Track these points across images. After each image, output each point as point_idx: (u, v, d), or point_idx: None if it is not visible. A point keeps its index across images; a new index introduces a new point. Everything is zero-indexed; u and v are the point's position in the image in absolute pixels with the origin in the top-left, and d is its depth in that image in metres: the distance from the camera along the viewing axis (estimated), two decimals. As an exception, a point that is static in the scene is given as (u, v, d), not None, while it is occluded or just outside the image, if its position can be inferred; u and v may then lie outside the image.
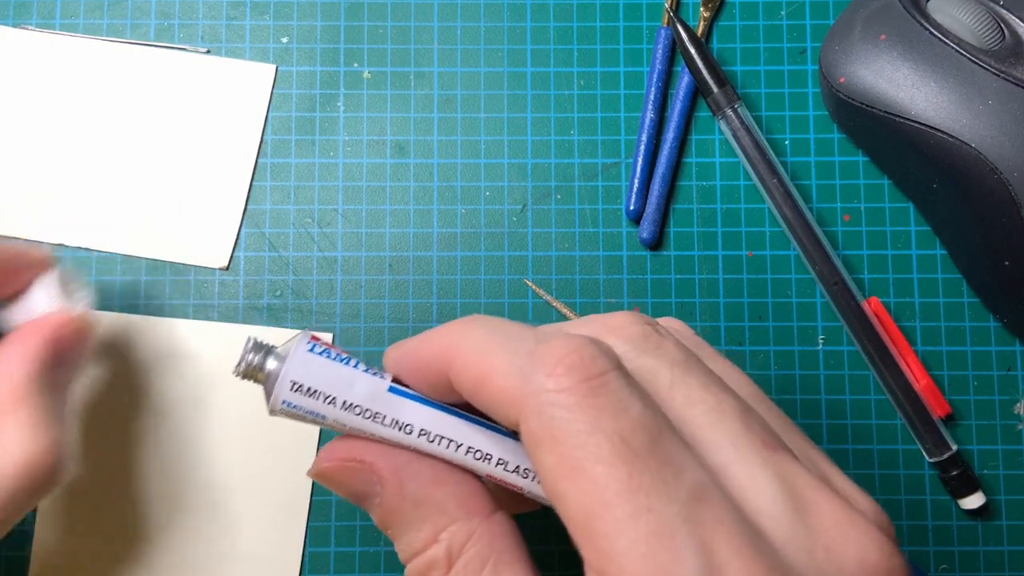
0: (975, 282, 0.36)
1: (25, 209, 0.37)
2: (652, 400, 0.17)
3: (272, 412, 0.22)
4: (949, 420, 0.36)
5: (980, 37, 0.34)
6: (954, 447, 0.35)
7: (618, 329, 0.19)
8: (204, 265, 0.37)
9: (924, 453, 0.35)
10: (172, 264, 0.37)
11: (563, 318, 0.36)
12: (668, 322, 0.23)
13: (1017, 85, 0.32)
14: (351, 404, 0.22)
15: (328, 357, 0.23)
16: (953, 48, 0.33)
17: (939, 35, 0.34)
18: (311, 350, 0.22)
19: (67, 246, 0.37)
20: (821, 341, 0.36)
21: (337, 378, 0.22)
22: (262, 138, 0.38)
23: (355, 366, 0.22)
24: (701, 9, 0.38)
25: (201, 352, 0.36)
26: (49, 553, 0.35)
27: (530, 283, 0.37)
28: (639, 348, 0.19)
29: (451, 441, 0.21)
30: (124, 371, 0.36)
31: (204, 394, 0.36)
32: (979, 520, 0.36)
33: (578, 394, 0.17)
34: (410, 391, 0.22)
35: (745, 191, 0.37)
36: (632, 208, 0.37)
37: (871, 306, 0.35)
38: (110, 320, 0.36)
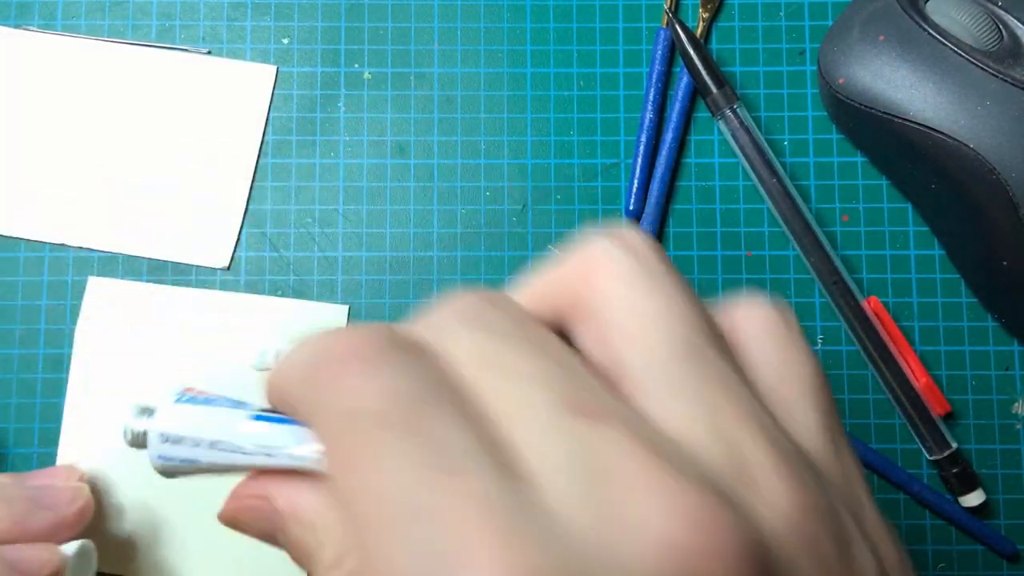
0: (973, 282, 0.36)
1: (26, 209, 0.37)
2: (424, 370, 0.15)
3: (155, 469, 0.21)
4: (947, 419, 0.36)
5: (978, 38, 0.34)
6: (954, 445, 0.35)
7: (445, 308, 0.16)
8: (205, 265, 0.37)
9: (924, 451, 0.35)
10: (174, 264, 0.37)
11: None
12: (627, 237, 0.17)
13: (1015, 86, 0.33)
14: (216, 441, 0.21)
15: (195, 403, 0.22)
16: (951, 49, 0.33)
17: (937, 36, 0.34)
18: (177, 401, 0.21)
19: (68, 246, 0.37)
20: (820, 341, 0.37)
21: (203, 421, 0.21)
22: (263, 138, 0.38)
23: (225, 405, 0.21)
24: (700, 10, 0.38)
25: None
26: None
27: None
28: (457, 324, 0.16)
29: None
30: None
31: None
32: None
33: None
34: (277, 415, 0.19)
35: (744, 191, 0.37)
36: (631, 208, 0.37)
37: (871, 305, 0.36)
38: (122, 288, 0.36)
